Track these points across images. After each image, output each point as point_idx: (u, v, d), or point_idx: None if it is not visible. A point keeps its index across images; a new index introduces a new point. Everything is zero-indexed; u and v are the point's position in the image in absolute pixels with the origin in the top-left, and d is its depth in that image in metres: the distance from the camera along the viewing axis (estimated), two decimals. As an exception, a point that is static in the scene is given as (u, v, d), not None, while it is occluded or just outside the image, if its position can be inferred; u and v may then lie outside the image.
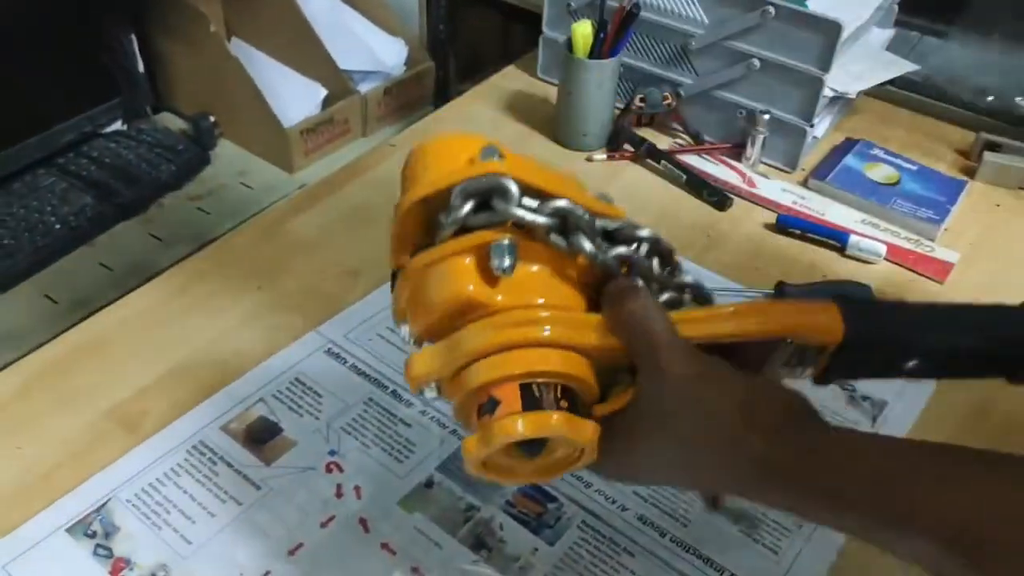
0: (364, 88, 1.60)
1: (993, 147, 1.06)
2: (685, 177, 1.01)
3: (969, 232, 0.98)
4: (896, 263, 0.92)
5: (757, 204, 1.00)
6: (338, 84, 1.57)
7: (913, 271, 0.92)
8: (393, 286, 0.50)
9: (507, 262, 0.43)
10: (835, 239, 0.94)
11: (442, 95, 1.72)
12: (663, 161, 1.03)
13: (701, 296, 0.54)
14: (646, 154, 1.05)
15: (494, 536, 0.64)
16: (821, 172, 1.03)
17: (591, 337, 0.45)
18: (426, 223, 0.47)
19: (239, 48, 1.58)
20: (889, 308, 0.53)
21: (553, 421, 0.44)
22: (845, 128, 1.12)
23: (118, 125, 1.52)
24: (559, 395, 0.45)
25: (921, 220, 0.96)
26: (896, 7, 1.14)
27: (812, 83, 0.99)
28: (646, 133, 1.08)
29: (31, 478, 0.67)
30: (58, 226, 1.32)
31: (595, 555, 0.63)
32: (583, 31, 1.01)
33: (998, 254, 0.95)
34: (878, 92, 1.15)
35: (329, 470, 0.68)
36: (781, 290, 0.53)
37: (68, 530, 0.63)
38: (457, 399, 0.47)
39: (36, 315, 1.21)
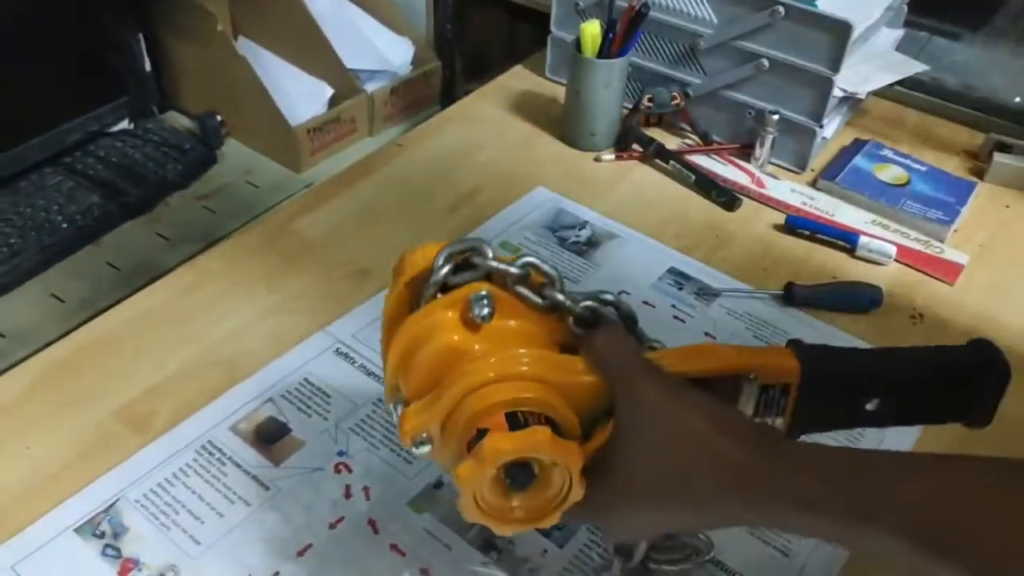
0: (371, 87, 1.60)
1: (1003, 148, 1.06)
2: (694, 177, 1.01)
3: (979, 233, 0.97)
4: (906, 264, 0.92)
5: (766, 205, 0.99)
6: (345, 83, 1.56)
7: (923, 272, 0.91)
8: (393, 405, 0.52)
9: (485, 310, 0.47)
10: (844, 240, 0.93)
11: (449, 95, 1.72)
12: (672, 161, 1.03)
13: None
14: (654, 154, 1.04)
15: (503, 538, 0.64)
16: (830, 173, 1.03)
17: (567, 374, 0.49)
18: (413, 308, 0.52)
19: (246, 47, 1.58)
20: (842, 349, 0.57)
21: (539, 437, 0.46)
22: (854, 128, 1.12)
23: (125, 124, 1.52)
24: (543, 423, 0.48)
25: (931, 221, 0.96)
26: (906, 7, 1.14)
27: (822, 83, 0.98)
28: (654, 133, 1.08)
29: (39, 478, 0.66)
30: (65, 225, 1.32)
31: (604, 557, 0.63)
32: (592, 31, 1.00)
33: (1008, 255, 0.95)
34: (887, 93, 1.15)
35: (338, 471, 0.68)
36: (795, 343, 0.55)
37: (76, 530, 0.63)
38: (450, 447, 0.49)
39: (43, 314, 1.21)
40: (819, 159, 1.06)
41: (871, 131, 1.11)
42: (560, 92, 1.12)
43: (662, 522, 0.51)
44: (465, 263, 0.50)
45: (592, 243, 0.92)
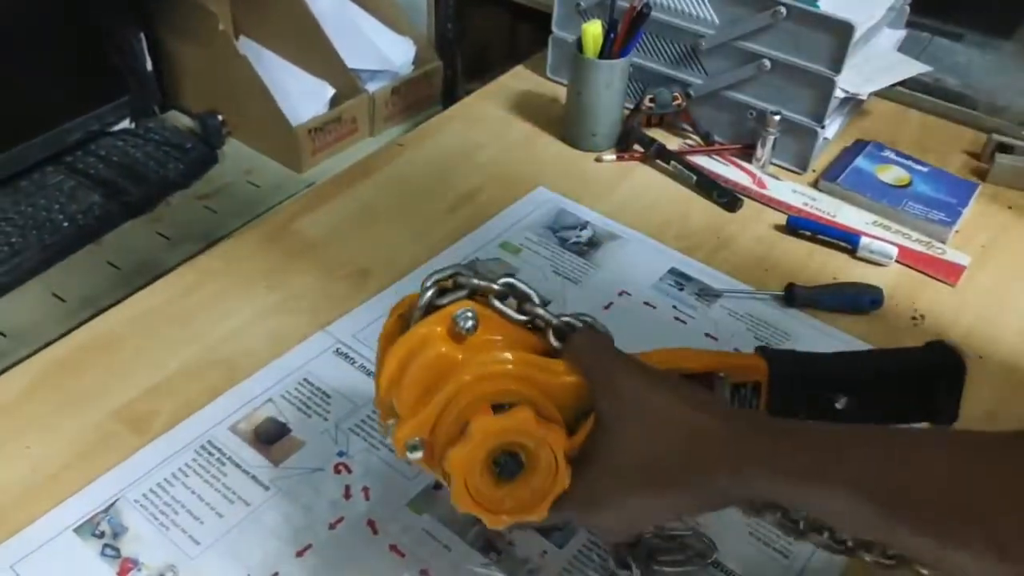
0: (372, 87, 1.60)
1: (1005, 149, 1.05)
2: (695, 178, 1.01)
3: (981, 234, 0.97)
4: (907, 265, 0.92)
5: (767, 205, 0.99)
6: (346, 83, 1.56)
7: (924, 273, 0.91)
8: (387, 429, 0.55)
9: (470, 323, 0.50)
10: (846, 241, 0.93)
11: (450, 94, 1.72)
12: (673, 162, 1.03)
13: None
14: (656, 155, 1.04)
15: (503, 538, 0.64)
16: (832, 173, 1.03)
17: (549, 375, 0.51)
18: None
19: (247, 47, 1.58)
20: (806, 353, 0.61)
21: (524, 416, 0.49)
22: (856, 129, 1.12)
23: (126, 123, 1.52)
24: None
25: (932, 222, 0.96)
26: (907, 8, 1.14)
27: (823, 84, 0.98)
28: (656, 133, 1.08)
29: (39, 478, 0.66)
30: (66, 224, 1.32)
31: (605, 558, 0.63)
32: (593, 31, 1.00)
33: (1009, 257, 0.95)
34: (889, 93, 1.15)
35: (338, 471, 0.68)
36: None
37: (76, 530, 0.63)
38: (441, 447, 0.51)
39: (44, 314, 1.21)
40: (820, 160, 1.06)
41: (873, 132, 1.11)
42: (561, 92, 1.11)
43: (648, 509, 0.50)
44: (454, 286, 0.54)
45: (593, 243, 0.92)
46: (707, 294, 0.86)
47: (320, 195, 0.97)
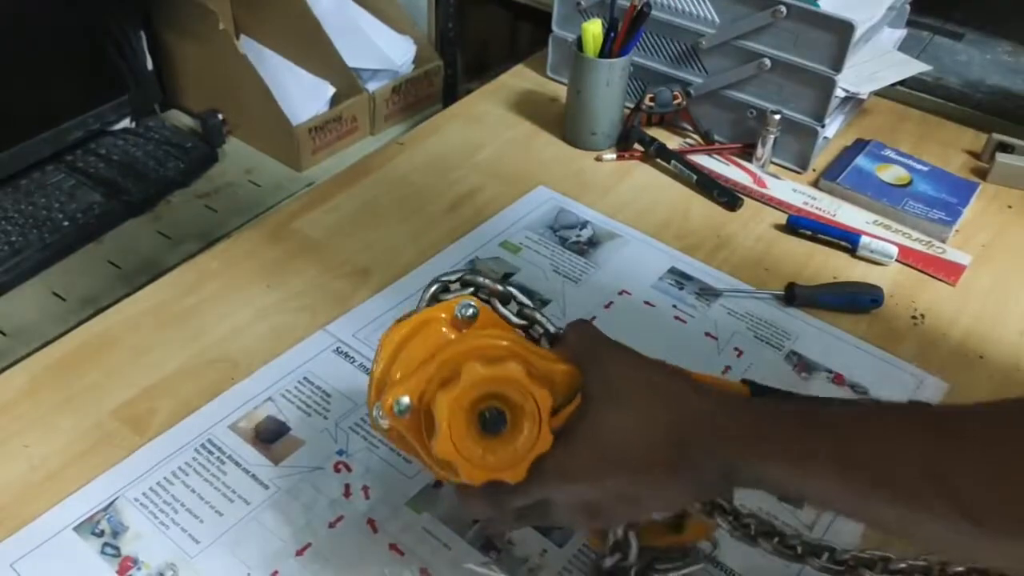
0: (372, 86, 1.60)
1: (1005, 148, 1.05)
2: (695, 177, 1.01)
3: (981, 234, 0.97)
4: (907, 264, 0.92)
5: (767, 205, 0.99)
6: (346, 82, 1.56)
7: (924, 273, 0.91)
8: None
9: (470, 311, 0.54)
10: (846, 240, 0.93)
11: (451, 93, 1.72)
12: (673, 161, 1.03)
13: None
14: (656, 154, 1.04)
15: (503, 537, 0.64)
16: (832, 173, 1.02)
17: (542, 360, 0.52)
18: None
19: (248, 46, 1.58)
20: (790, 392, 0.62)
21: (512, 367, 0.50)
22: (856, 128, 1.12)
23: (126, 122, 1.52)
24: None
25: (933, 221, 0.96)
26: (908, 7, 1.13)
27: (824, 83, 0.98)
28: (656, 132, 1.08)
29: (38, 476, 0.66)
30: (66, 223, 1.32)
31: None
32: (593, 30, 1.00)
33: (1010, 256, 0.95)
34: (889, 92, 1.15)
35: (337, 470, 0.68)
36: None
37: (76, 529, 0.63)
38: (426, 415, 0.52)
39: (44, 312, 1.21)
40: (821, 159, 1.06)
41: (873, 131, 1.11)
42: (561, 91, 1.11)
43: (626, 490, 0.50)
44: (459, 287, 0.57)
45: (593, 243, 0.92)
46: (707, 293, 0.86)
47: (320, 194, 0.97)
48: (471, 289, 0.56)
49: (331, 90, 1.57)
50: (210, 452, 0.69)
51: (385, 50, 1.64)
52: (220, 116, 1.53)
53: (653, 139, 1.05)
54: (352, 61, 1.57)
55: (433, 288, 0.56)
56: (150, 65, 1.54)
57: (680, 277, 0.88)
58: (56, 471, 0.67)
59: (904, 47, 1.14)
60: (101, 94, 1.47)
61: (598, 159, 1.05)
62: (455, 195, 0.98)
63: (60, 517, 0.64)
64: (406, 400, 0.51)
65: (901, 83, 1.11)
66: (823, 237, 0.94)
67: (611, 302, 0.85)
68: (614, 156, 1.05)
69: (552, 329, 0.56)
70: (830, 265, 0.92)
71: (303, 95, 1.54)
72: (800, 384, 0.78)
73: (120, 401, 0.72)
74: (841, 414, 0.48)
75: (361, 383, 0.75)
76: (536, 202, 0.97)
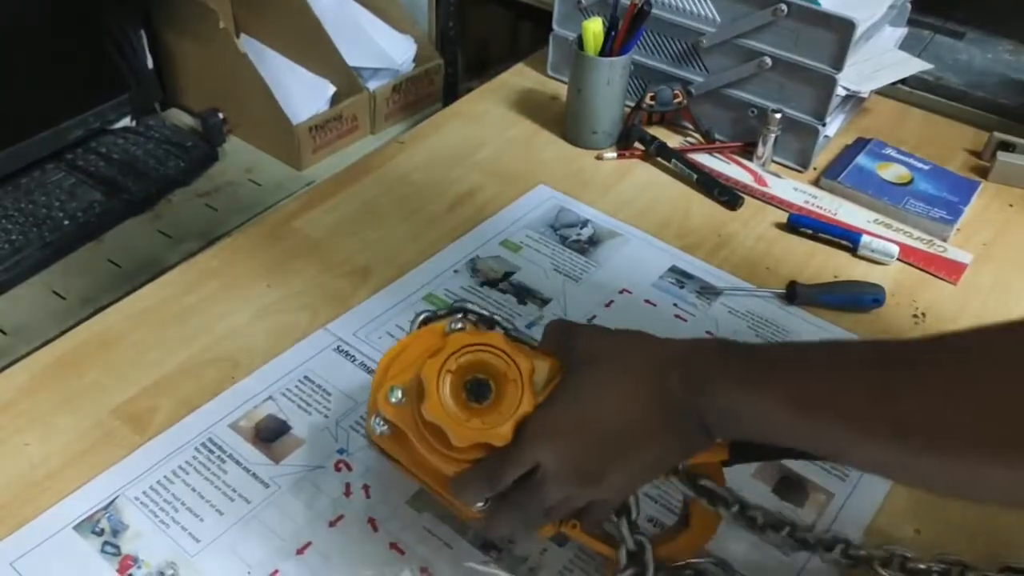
0: (373, 85, 1.60)
1: (1006, 147, 1.05)
2: (696, 176, 1.01)
3: (982, 232, 0.97)
4: (908, 263, 0.92)
5: (768, 203, 0.99)
6: (347, 81, 1.57)
7: (925, 271, 0.91)
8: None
9: (459, 325, 0.58)
10: (847, 239, 0.93)
11: (451, 92, 1.72)
12: (674, 160, 1.03)
13: None
14: (657, 152, 1.04)
15: (503, 536, 0.63)
16: (833, 171, 1.02)
17: (523, 356, 0.54)
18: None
19: (248, 45, 1.58)
20: None
21: (494, 335, 0.54)
22: (857, 127, 1.12)
23: (127, 121, 1.52)
24: None
25: (934, 220, 0.95)
26: (909, 5, 1.13)
27: (824, 82, 0.98)
28: (657, 131, 1.08)
29: (38, 475, 0.66)
30: (66, 222, 1.32)
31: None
32: (594, 28, 1.00)
33: (1011, 255, 0.94)
34: (890, 91, 1.15)
35: (338, 469, 0.68)
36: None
37: (76, 528, 0.63)
38: (416, 406, 0.55)
39: (44, 311, 1.21)
40: (822, 158, 1.06)
41: (874, 130, 1.11)
42: (562, 90, 1.11)
43: (611, 439, 0.52)
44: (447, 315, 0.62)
45: (594, 241, 0.92)
46: (708, 292, 0.86)
47: (321, 193, 0.97)
48: (459, 315, 0.61)
49: (331, 89, 1.57)
50: (210, 451, 0.69)
51: (385, 49, 1.64)
52: (220, 115, 1.53)
53: (654, 138, 1.05)
54: (352, 60, 1.57)
55: (423, 316, 0.63)
56: (150, 64, 1.54)
57: (681, 276, 0.88)
58: (56, 470, 0.67)
59: (905, 46, 1.14)
60: (101, 93, 1.47)
61: (599, 158, 1.05)
62: (456, 194, 0.98)
63: (60, 516, 0.63)
64: (400, 391, 0.55)
65: (902, 82, 1.10)
66: (824, 236, 0.94)
67: (612, 301, 0.85)
68: (615, 155, 1.05)
69: (537, 344, 0.59)
70: (831, 264, 0.92)
71: (303, 94, 1.55)
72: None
73: (120, 400, 0.72)
74: (799, 347, 0.52)
75: (361, 381, 0.75)
76: (537, 201, 0.97)
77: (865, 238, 0.92)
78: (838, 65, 0.96)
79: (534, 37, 1.52)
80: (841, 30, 0.94)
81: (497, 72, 1.22)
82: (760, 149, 1.03)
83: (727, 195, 0.99)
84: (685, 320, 0.83)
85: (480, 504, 0.55)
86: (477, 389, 0.54)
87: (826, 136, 1.06)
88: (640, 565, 0.58)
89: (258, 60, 1.49)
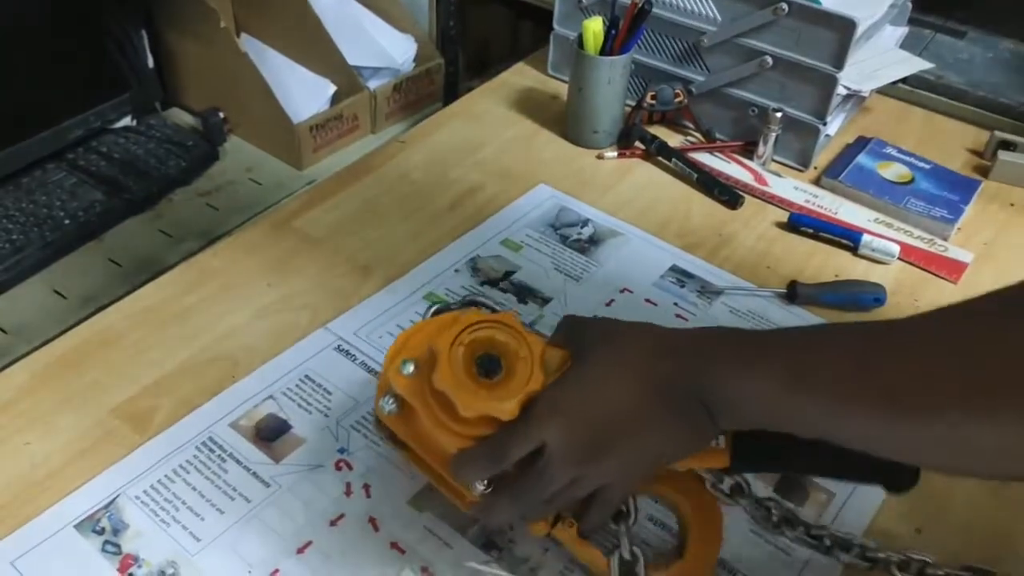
0: (373, 84, 1.60)
1: (1007, 146, 1.05)
2: (696, 175, 1.01)
3: (983, 232, 0.97)
4: (909, 262, 0.92)
5: (769, 203, 0.99)
6: (347, 80, 1.56)
7: (926, 271, 0.91)
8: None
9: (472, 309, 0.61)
10: (848, 238, 0.93)
11: (451, 92, 1.72)
12: (674, 159, 1.03)
13: None
14: (657, 152, 1.04)
15: (504, 536, 0.64)
16: (834, 171, 1.02)
17: (535, 342, 0.56)
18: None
19: (249, 44, 1.58)
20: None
21: (505, 314, 0.56)
22: (858, 126, 1.11)
23: (127, 120, 1.52)
24: None
25: (935, 219, 0.95)
26: (910, 5, 1.13)
27: (825, 81, 0.98)
28: (657, 131, 1.08)
29: (39, 474, 0.66)
30: (67, 221, 1.32)
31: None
32: (594, 28, 1.00)
33: (1012, 254, 0.94)
34: (891, 90, 1.15)
35: (339, 468, 0.68)
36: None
37: (77, 527, 0.63)
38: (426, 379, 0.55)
39: (45, 310, 1.21)
40: (822, 157, 1.06)
41: (875, 129, 1.11)
42: (562, 89, 1.11)
43: (617, 418, 0.52)
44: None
45: (594, 241, 0.92)
46: (709, 292, 0.86)
47: (321, 192, 0.97)
48: (472, 308, 0.62)
49: (332, 88, 1.57)
50: (211, 450, 0.69)
51: (386, 48, 1.64)
52: (221, 114, 1.53)
53: (654, 137, 1.05)
54: (353, 59, 1.57)
55: (435, 308, 0.65)
56: (151, 63, 1.54)
57: (681, 275, 0.88)
58: (57, 469, 0.67)
59: (906, 45, 1.14)
60: (102, 92, 1.47)
61: (599, 157, 1.05)
62: (456, 193, 0.98)
63: (61, 515, 0.63)
64: (412, 364, 0.55)
65: (903, 81, 1.10)
66: (825, 235, 0.94)
67: (612, 300, 0.85)
68: (615, 154, 1.05)
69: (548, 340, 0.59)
70: (832, 263, 0.92)
71: (304, 93, 1.55)
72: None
73: (121, 399, 0.72)
74: (791, 329, 0.53)
75: (362, 381, 0.75)
76: (537, 200, 0.97)
77: (866, 237, 0.92)
78: (839, 64, 0.96)
79: (535, 36, 1.52)
80: (842, 29, 0.94)
81: (498, 71, 1.22)
82: (761, 148, 1.03)
83: (728, 194, 0.98)
84: (686, 320, 0.83)
85: (480, 487, 0.55)
86: (488, 364, 0.54)
87: (827, 135, 1.05)
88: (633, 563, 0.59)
89: (259, 59, 1.49)
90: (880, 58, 1.06)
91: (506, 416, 0.52)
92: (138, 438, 0.69)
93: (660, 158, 1.04)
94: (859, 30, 0.94)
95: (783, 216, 0.96)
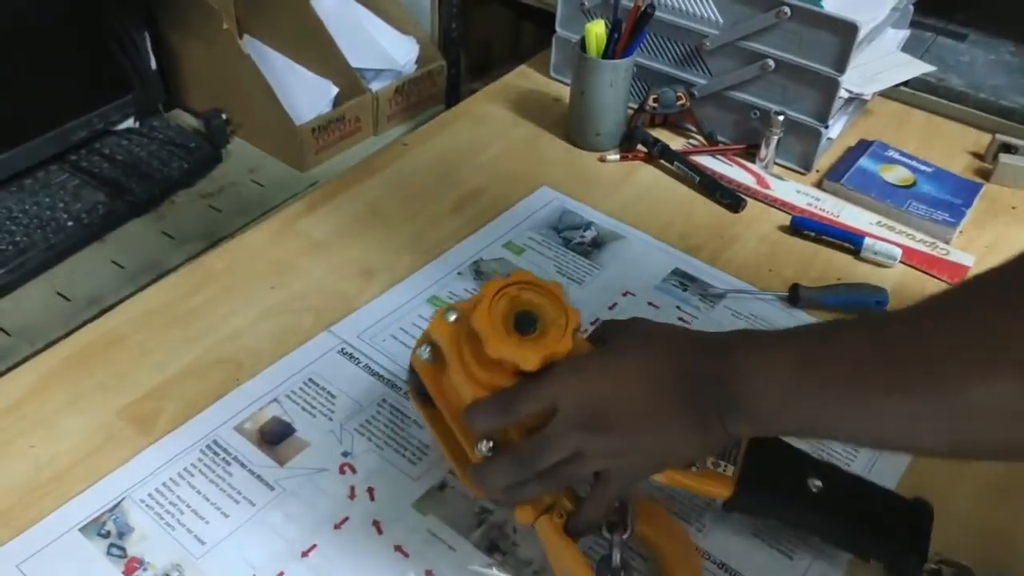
0: (376, 86, 1.60)
1: (1008, 149, 1.05)
2: (699, 178, 1.01)
3: (985, 235, 0.97)
4: (911, 266, 0.92)
5: (771, 206, 0.99)
6: (350, 82, 1.57)
7: (928, 274, 0.91)
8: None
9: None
10: (849, 242, 0.93)
11: (454, 94, 1.73)
12: (676, 162, 1.03)
13: None
14: (659, 154, 1.04)
15: (507, 539, 0.64)
16: (836, 174, 1.02)
17: (574, 314, 0.58)
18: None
19: (251, 46, 1.58)
20: (793, 447, 0.63)
21: (555, 282, 0.58)
22: (859, 129, 1.12)
23: (130, 122, 1.52)
24: None
25: (936, 222, 0.96)
26: (912, 8, 1.13)
27: (827, 84, 0.98)
28: (659, 133, 1.08)
29: (44, 477, 0.67)
30: (70, 223, 1.32)
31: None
32: (597, 31, 1.00)
33: (1014, 257, 0.94)
34: (893, 93, 1.15)
35: (343, 471, 0.68)
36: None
37: (82, 530, 0.63)
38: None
39: (48, 312, 1.21)
40: (824, 160, 1.06)
41: (876, 132, 1.11)
42: (565, 92, 1.11)
43: (632, 390, 0.54)
44: None
45: (597, 244, 0.92)
46: (711, 295, 0.86)
47: (324, 194, 0.98)
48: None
49: (334, 90, 1.57)
50: (216, 453, 0.69)
51: (388, 50, 1.64)
52: (224, 116, 1.54)
53: (656, 140, 1.05)
54: (355, 61, 1.57)
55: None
56: (154, 65, 1.54)
57: (684, 278, 0.88)
58: (62, 472, 0.67)
59: (907, 48, 1.14)
60: (105, 94, 1.47)
61: (601, 160, 1.05)
62: (459, 196, 0.98)
63: (66, 518, 0.64)
64: (455, 313, 0.59)
65: (905, 84, 1.11)
66: (827, 238, 0.94)
67: (615, 303, 0.85)
68: (617, 157, 1.05)
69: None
70: (834, 266, 0.92)
71: (306, 95, 1.55)
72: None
73: (126, 401, 0.73)
74: (811, 325, 0.57)
75: (366, 384, 0.75)
76: (540, 203, 0.98)
77: (868, 240, 0.92)
78: (841, 67, 0.96)
79: (537, 39, 1.53)
80: (844, 32, 0.94)
81: (500, 74, 1.23)
82: (763, 151, 1.03)
83: (730, 197, 0.99)
84: (688, 323, 0.83)
85: (484, 449, 0.57)
86: (524, 322, 0.57)
87: (829, 138, 1.06)
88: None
89: (261, 61, 1.49)
90: (882, 61, 1.07)
91: (526, 365, 0.55)
92: (143, 441, 0.69)
93: (662, 161, 1.04)
94: (861, 33, 0.94)
95: (785, 219, 0.96)
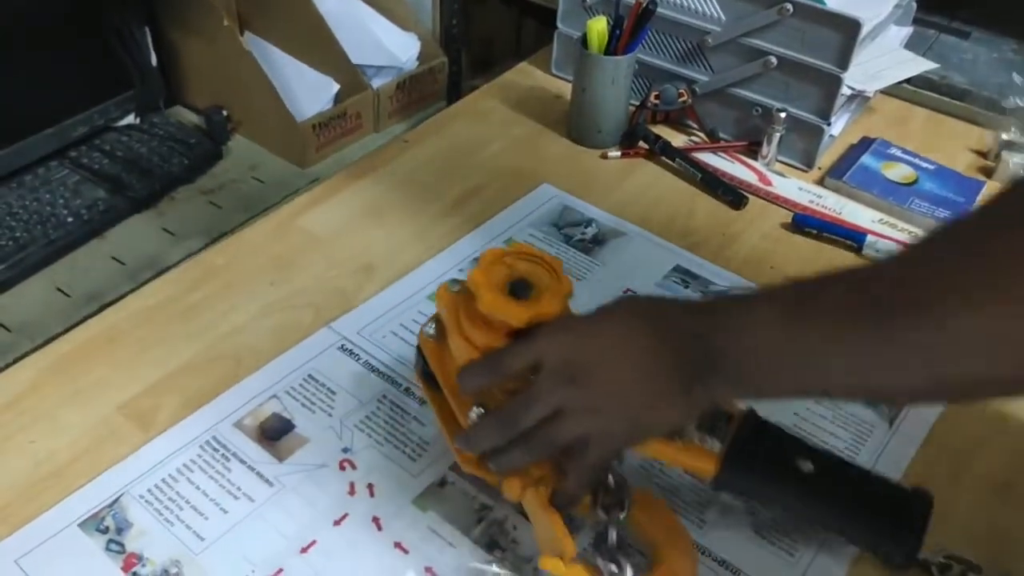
0: (377, 83, 1.60)
1: (1011, 147, 1.05)
2: (700, 175, 1.01)
3: (987, 233, 0.97)
4: (913, 263, 0.92)
5: (773, 203, 0.99)
6: (351, 79, 1.56)
7: (930, 272, 0.91)
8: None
9: None
10: (851, 239, 0.93)
11: (455, 91, 1.72)
12: (678, 159, 1.02)
13: None
14: (661, 151, 1.04)
15: (507, 536, 0.64)
16: (838, 171, 1.02)
17: (569, 284, 0.61)
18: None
19: (252, 42, 1.58)
20: (786, 432, 0.63)
21: (556, 258, 0.61)
22: (862, 126, 1.11)
23: (131, 119, 1.52)
24: None
25: (939, 220, 0.95)
26: (914, 5, 1.13)
27: (830, 81, 0.98)
28: (661, 130, 1.07)
29: (43, 472, 0.66)
30: (70, 219, 1.32)
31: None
32: (598, 27, 1.00)
33: (1016, 255, 0.94)
34: (895, 91, 1.14)
35: (342, 468, 0.68)
36: None
37: (80, 525, 0.63)
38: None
39: (48, 308, 1.21)
40: (826, 157, 1.06)
41: (879, 129, 1.10)
42: (566, 89, 1.11)
43: (614, 349, 0.55)
44: None
45: (598, 240, 0.92)
46: (712, 292, 0.86)
47: (324, 191, 0.97)
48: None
49: (335, 87, 1.57)
50: (215, 449, 0.69)
51: (389, 47, 1.64)
52: (224, 112, 1.53)
53: (658, 137, 1.05)
54: (356, 58, 1.57)
55: None
56: (155, 61, 1.54)
57: (685, 275, 0.88)
58: (61, 467, 0.67)
59: (910, 45, 1.14)
60: (105, 90, 1.47)
61: (603, 157, 1.05)
62: (459, 192, 0.98)
63: (65, 513, 0.64)
64: (458, 285, 0.62)
65: (907, 81, 1.10)
66: (829, 236, 0.94)
67: (616, 300, 0.85)
68: (619, 154, 1.05)
69: None
70: (836, 264, 0.90)
71: (307, 92, 1.55)
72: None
73: (125, 397, 0.72)
74: (790, 283, 0.54)
75: (366, 380, 0.75)
76: (541, 200, 0.97)
77: (870, 238, 0.92)
78: (843, 64, 0.96)
79: (538, 35, 1.53)
80: (846, 29, 0.94)
81: (501, 70, 1.22)
82: (765, 148, 1.03)
83: (731, 194, 0.98)
84: (689, 319, 0.83)
85: (474, 416, 0.59)
86: (520, 288, 0.59)
87: (831, 135, 1.05)
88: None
89: (262, 58, 1.49)
90: (884, 58, 1.06)
91: (515, 321, 0.57)
92: (142, 437, 0.69)
93: (664, 158, 1.04)
94: (864, 30, 0.94)
95: (787, 216, 0.96)
